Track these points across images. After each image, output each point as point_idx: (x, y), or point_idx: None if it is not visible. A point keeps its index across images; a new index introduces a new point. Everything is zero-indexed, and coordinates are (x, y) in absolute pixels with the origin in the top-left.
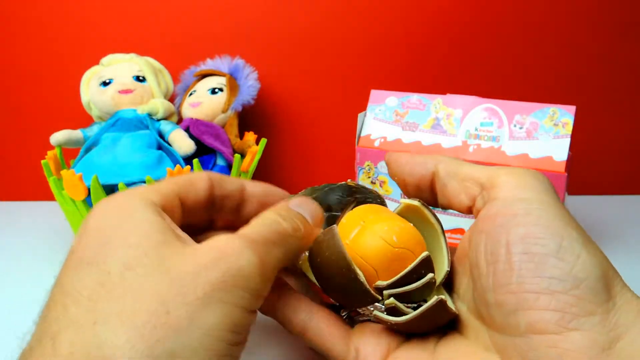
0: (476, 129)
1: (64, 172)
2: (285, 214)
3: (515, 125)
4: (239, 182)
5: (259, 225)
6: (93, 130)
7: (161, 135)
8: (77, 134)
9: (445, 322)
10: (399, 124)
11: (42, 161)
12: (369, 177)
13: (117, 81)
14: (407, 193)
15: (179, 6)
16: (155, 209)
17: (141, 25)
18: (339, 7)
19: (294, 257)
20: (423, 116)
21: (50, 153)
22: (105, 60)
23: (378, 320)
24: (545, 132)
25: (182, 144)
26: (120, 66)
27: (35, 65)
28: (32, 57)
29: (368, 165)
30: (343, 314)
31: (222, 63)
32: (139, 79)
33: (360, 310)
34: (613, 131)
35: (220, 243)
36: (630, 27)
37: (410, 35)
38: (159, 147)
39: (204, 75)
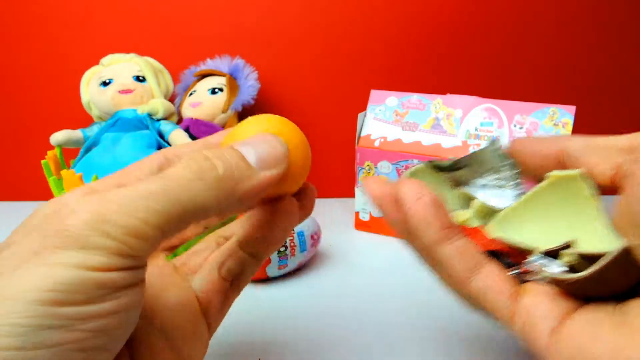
0: (476, 129)
1: (64, 172)
2: (205, 152)
3: (515, 125)
4: (200, 140)
5: (150, 175)
6: (93, 130)
7: (161, 135)
8: (77, 134)
9: (632, 283)
10: (399, 124)
11: (42, 161)
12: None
13: (117, 81)
14: (529, 174)
15: (179, 6)
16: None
17: (141, 25)
18: (339, 7)
19: (215, 203)
20: (423, 116)
21: (50, 153)
22: (105, 60)
23: (552, 281)
24: (545, 132)
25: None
26: (120, 66)
27: (35, 65)
28: (32, 57)
29: (368, 165)
30: (511, 271)
31: (222, 63)
32: (139, 79)
33: (531, 268)
34: (613, 131)
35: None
36: (630, 27)
37: (410, 35)
38: (159, 147)
39: (204, 75)
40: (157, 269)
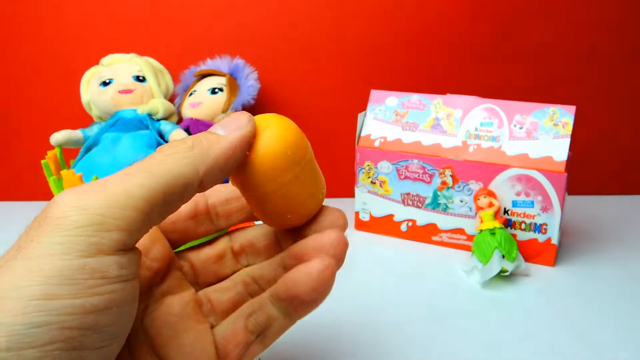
0: (476, 129)
1: (64, 172)
2: (178, 139)
3: (515, 125)
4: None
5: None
6: (93, 130)
7: (161, 135)
8: (77, 134)
9: None
10: (399, 124)
11: (42, 161)
12: (369, 177)
13: (117, 81)
14: None
15: (179, 6)
16: None
17: (141, 25)
18: (339, 8)
19: (192, 170)
20: (423, 116)
21: (50, 153)
22: (105, 60)
23: None
24: (545, 132)
25: None
26: (120, 66)
27: (35, 65)
28: (32, 57)
29: (368, 165)
30: None
31: (222, 63)
32: (139, 79)
33: None
34: (613, 131)
35: None
36: (630, 27)
37: (410, 35)
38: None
39: (204, 75)
40: (180, 305)
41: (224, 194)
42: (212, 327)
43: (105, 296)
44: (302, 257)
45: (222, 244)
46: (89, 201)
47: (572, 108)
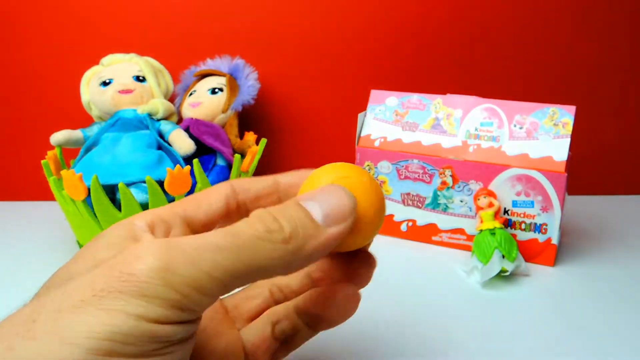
0: (476, 129)
1: (64, 172)
2: (272, 211)
3: (515, 125)
4: (270, 179)
5: (218, 229)
6: (93, 130)
7: (161, 135)
8: (77, 134)
9: None
10: (399, 124)
11: (42, 161)
12: None
13: (117, 81)
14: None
15: (179, 6)
16: (128, 234)
17: (141, 25)
18: (339, 8)
19: (281, 264)
20: (423, 116)
21: (50, 153)
22: (105, 60)
23: None
24: (545, 132)
25: (182, 144)
26: (120, 66)
27: (35, 65)
28: (32, 57)
29: (368, 165)
30: None
31: (222, 63)
32: (139, 79)
33: None
34: (613, 131)
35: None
36: (630, 27)
37: (410, 35)
38: (159, 147)
39: (204, 75)
40: (211, 311)
41: (253, 191)
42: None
43: (164, 357)
44: (330, 276)
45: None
46: (174, 275)
47: (572, 108)
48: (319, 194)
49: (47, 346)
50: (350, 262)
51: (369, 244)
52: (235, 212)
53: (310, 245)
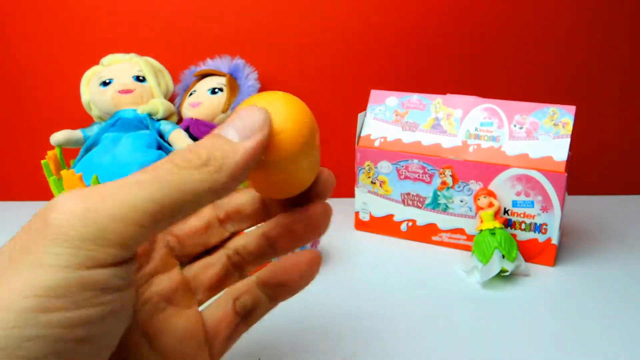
0: (476, 129)
1: (64, 172)
2: (190, 145)
3: (515, 125)
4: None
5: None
6: (93, 130)
7: (161, 135)
8: (77, 134)
9: None
10: (399, 124)
11: (42, 161)
12: (369, 177)
13: (117, 81)
14: None
15: (179, 6)
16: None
17: (141, 25)
18: (339, 7)
19: (205, 186)
20: (423, 116)
21: (50, 153)
22: (105, 60)
23: None
24: (545, 132)
25: (182, 144)
26: (120, 66)
27: (35, 65)
28: (32, 57)
29: (368, 165)
30: None
31: (222, 63)
32: (139, 79)
33: None
34: (613, 131)
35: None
36: (630, 27)
37: (410, 35)
38: (159, 147)
39: (204, 75)
40: (169, 287)
41: (233, 204)
42: (199, 304)
43: (100, 307)
44: (287, 232)
45: (207, 214)
46: (94, 212)
47: (572, 108)
48: (232, 119)
49: None
50: (307, 212)
51: (315, 188)
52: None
53: (230, 161)
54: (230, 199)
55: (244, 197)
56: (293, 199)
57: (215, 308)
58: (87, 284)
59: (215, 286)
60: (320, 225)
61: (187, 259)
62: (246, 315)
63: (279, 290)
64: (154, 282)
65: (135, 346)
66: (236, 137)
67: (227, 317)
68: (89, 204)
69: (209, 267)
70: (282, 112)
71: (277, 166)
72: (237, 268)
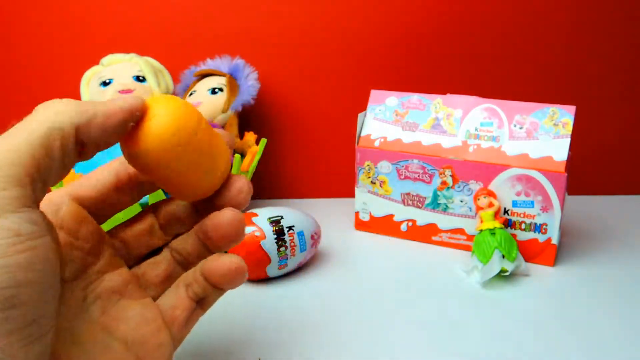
0: (476, 129)
1: None
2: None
3: (515, 125)
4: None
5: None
6: None
7: None
8: None
9: None
10: (399, 124)
11: None
12: (369, 177)
13: (117, 81)
14: None
15: (179, 6)
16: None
17: (141, 25)
18: (339, 8)
19: (70, 118)
20: (423, 116)
21: None
22: (105, 60)
23: None
24: (545, 132)
25: None
26: (120, 66)
27: (35, 65)
28: (32, 57)
29: (368, 165)
30: None
31: (222, 63)
32: (139, 79)
33: None
34: (613, 131)
35: None
36: (630, 27)
37: (410, 35)
38: None
39: (204, 75)
40: (120, 281)
41: (169, 210)
42: (153, 299)
43: (26, 253)
44: (209, 235)
45: (149, 220)
46: None
47: (572, 108)
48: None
49: None
50: (214, 218)
51: (223, 195)
52: (126, 184)
53: (95, 108)
54: (166, 205)
55: (179, 204)
56: (202, 204)
57: (171, 294)
58: (4, 231)
59: (165, 281)
60: (229, 232)
61: (134, 261)
62: (200, 301)
63: (218, 285)
64: (105, 278)
65: (97, 339)
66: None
67: (182, 302)
68: None
69: (156, 264)
70: (163, 105)
71: (155, 156)
72: (181, 265)
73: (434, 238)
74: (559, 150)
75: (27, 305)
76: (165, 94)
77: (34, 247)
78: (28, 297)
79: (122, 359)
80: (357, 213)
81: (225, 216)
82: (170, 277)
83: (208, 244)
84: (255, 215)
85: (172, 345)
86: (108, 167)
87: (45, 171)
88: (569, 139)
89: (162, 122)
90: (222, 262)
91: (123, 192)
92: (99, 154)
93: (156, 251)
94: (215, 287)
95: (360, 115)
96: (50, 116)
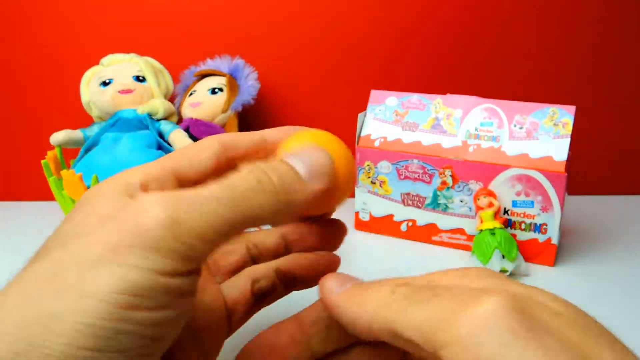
0: (476, 129)
1: (64, 172)
2: (262, 165)
3: (515, 125)
4: (257, 135)
5: (212, 180)
6: (93, 130)
7: (161, 135)
8: (77, 134)
9: None
10: (399, 124)
11: (42, 161)
12: (369, 177)
13: (117, 81)
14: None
15: (179, 6)
16: (124, 190)
17: (141, 25)
18: (339, 8)
19: (271, 214)
20: (423, 116)
21: (50, 153)
22: (105, 60)
23: None
24: (545, 132)
25: (182, 144)
26: (120, 66)
27: (35, 65)
28: (32, 57)
29: (368, 165)
30: None
31: (222, 63)
32: (139, 79)
33: None
34: (613, 131)
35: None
36: (630, 27)
37: (410, 35)
38: (159, 147)
39: (204, 75)
40: None
41: (242, 148)
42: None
43: (175, 310)
44: (304, 239)
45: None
46: (181, 226)
47: (572, 108)
48: (301, 152)
49: (71, 300)
50: (325, 227)
51: (333, 211)
52: (224, 168)
53: (297, 198)
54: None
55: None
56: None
57: (235, 287)
58: (169, 290)
59: (233, 271)
60: (334, 240)
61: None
62: (261, 297)
63: (294, 282)
64: None
65: None
66: (303, 172)
67: (244, 297)
68: (175, 214)
69: (229, 254)
70: (340, 160)
71: (323, 205)
72: (254, 258)
73: (434, 238)
74: (559, 150)
75: (155, 356)
76: (323, 133)
77: (184, 305)
78: (161, 347)
79: (186, 346)
80: (357, 213)
81: (335, 224)
82: (240, 268)
83: (297, 247)
84: None
85: (226, 336)
86: (208, 148)
87: (225, 241)
88: (569, 139)
89: (343, 167)
90: (321, 257)
91: (219, 175)
92: (95, 150)
93: None
94: (285, 285)
95: (360, 115)
96: (259, 205)
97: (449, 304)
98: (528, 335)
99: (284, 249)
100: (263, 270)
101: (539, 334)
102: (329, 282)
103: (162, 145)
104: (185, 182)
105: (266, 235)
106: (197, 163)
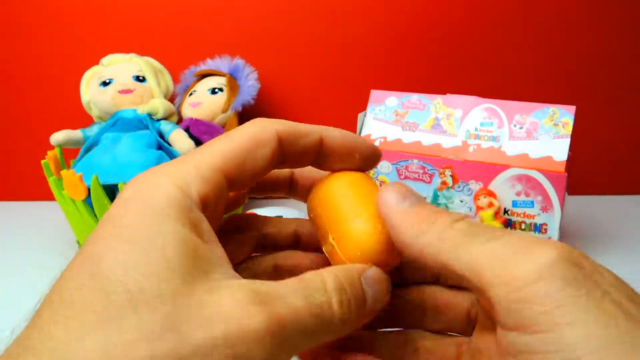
0: (476, 129)
1: (64, 172)
2: (347, 289)
3: (515, 125)
4: (316, 131)
5: (301, 299)
6: (93, 130)
7: (161, 135)
8: (77, 134)
9: None
10: (399, 124)
11: (42, 161)
12: None
13: (117, 81)
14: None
15: (179, 6)
16: (186, 218)
17: (141, 25)
18: (339, 8)
19: (331, 337)
20: (423, 116)
21: (50, 153)
22: (105, 60)
23: None
24: (545, 132)
25: (182, 144)
26: (120, 66)
27: (35, 65)
28: (33, 57)
29: None
30: None
31: (222, 63)
32: (139, 79)
33: None
34: (613, 131)
35: (234, 313)
36: (630, 27)
37: (410, 35)
38: (159, 147)
39: (204, 75)
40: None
41: (300, 147)
42: None
43: None
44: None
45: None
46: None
47: (572, 108)
48: (378, 279)
49: None
50: None
51: None
52: (275, 165)
53: (359, 320)
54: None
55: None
56: None
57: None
58: None
59: (240, 263)
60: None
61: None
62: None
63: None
64: None
65: None
66: (370, 300)
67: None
68: (275, 353)
69: (240, 245)
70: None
71: None
72: (260, 248)
73: None
74: (559, 150)
75: None
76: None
77: None
78: None
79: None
80: None
81: None
82: (246, 259)
83: (307, 242)
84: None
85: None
86: (265, 145)
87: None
88: (569, 139)
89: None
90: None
91: (262, 188)
92: (95, 150)
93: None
94: None
95: (360, 115)
96: (302, 324)
97: (509, 246)
98: (587, 284)
99: (294, 243)
100: (263, 266)
101: (594, 292)
102: (389, 195)
103: (162, 145)
104: (237, 186)
105: (280, 228)
106: (252, 163)
